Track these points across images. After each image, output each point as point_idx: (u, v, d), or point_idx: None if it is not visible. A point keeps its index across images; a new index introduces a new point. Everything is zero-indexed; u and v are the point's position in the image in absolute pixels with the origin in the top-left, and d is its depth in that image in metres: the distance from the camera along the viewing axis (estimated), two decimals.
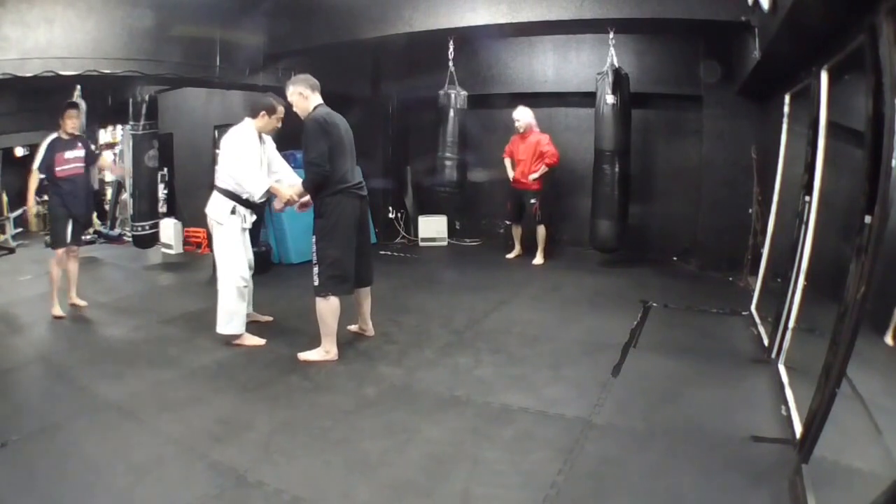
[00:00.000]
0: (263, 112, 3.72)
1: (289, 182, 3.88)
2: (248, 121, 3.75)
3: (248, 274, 3.82)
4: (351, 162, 3.52)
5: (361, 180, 3.56)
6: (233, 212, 3.72)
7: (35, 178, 4.46)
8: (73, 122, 4.49)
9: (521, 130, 5.96)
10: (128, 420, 2.80)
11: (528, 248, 6.21)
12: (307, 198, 3.64)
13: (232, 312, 3.70)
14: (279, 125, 3.83)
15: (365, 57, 7.01)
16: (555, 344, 3.76)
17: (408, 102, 7.36)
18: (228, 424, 2.74)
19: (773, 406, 2.78)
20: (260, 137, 3.80)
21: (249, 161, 3.65)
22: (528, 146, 5.95)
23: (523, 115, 5.97)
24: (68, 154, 4.46)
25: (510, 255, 6.32)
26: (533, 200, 6.01)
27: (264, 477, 2.30)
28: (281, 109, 3.76)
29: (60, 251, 4.52)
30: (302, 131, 3.40)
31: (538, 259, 6.07)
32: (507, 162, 6.19)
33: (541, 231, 6.07)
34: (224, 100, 7.68)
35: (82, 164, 4.56)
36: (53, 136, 4.46)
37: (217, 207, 3.74)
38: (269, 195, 3.75)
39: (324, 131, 3.35)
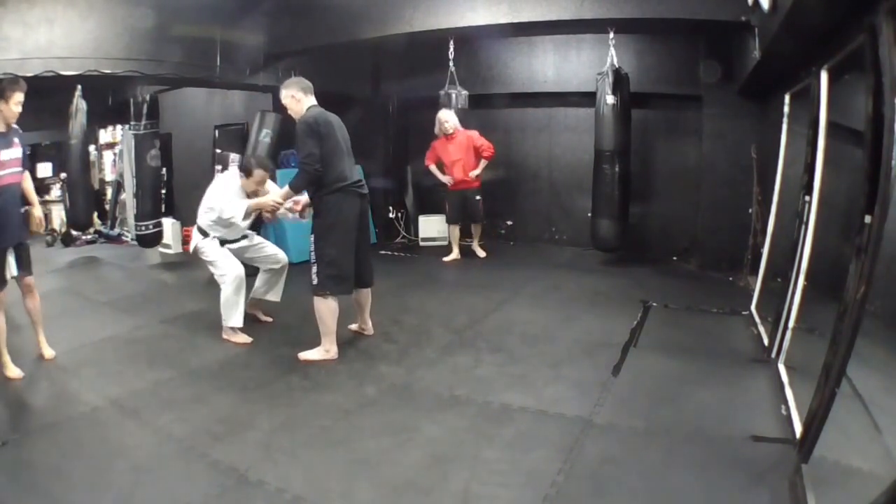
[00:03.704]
0: (242, 174, 3.91)
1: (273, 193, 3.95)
2: (237, 172, 3.98)
3: (242, 271, 3.88)
4: (348, 160, 3.52)
5: (361, 178, 3.57)
6: (205, 235, 3.92)
7: None
8: (11, 110, 3.11)
9: (450, 131, 5.96)
10: (128, 419, 2.80)
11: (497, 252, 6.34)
12: (304, 198, 3.63)
13: (230, 306, 3.82)
14: (256, 188, 3.92)
15: (365, 57, 7.00)
16: (555, 343, 3.76)
17: (408, 102, 7.35)
18: (229, 424, 2.74)
19: (773, 406, 2.78)
20: (246, 193, 3.93)
21: (226, 195, 3.83)
22: (459, 145, 5.98)
23: (451, 117, 5.96)
24: (2, 155, 3.11)
25: (448, 258, 6.24)
26: (478, 197, 6.07)
27: (265, 476, 2.30)
28: (259, 172, 3.86)
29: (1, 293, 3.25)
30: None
31: (482, 252, 6.27)
32: (434, 168, 6.20)
33: (478, 227, 6.30)
34: (224, 100, 7.69)
35: (20, 169, 3.25)
36: None
37: (194, 239, 3.99)
38: (252, 213, 3.85)
39: (314, 132, 3.35)
